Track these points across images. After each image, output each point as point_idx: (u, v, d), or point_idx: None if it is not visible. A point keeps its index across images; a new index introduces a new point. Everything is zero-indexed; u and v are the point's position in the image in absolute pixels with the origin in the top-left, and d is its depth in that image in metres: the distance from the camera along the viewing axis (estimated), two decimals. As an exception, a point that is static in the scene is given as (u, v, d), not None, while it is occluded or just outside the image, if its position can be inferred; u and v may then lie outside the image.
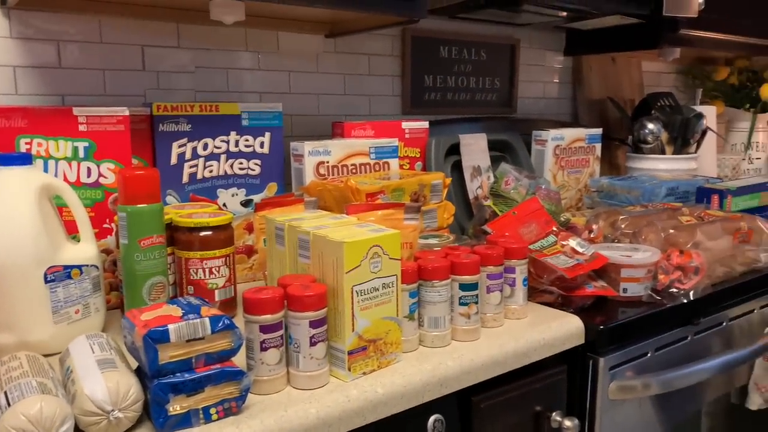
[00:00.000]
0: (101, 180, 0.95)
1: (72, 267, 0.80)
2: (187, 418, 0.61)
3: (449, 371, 0.78)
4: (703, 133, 1.77)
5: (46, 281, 0.77)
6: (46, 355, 0.77)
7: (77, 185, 0.94)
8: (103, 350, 0.65)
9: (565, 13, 1.51)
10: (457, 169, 1.39)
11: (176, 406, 0.61)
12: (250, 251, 1.12)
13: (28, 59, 1.07)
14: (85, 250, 0.82)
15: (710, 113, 1.90)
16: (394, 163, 1.21)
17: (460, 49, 1.61)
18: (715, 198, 1.36)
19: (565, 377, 0.94)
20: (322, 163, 1.12)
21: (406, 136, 1.31)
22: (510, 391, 0.86)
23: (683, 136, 1.74)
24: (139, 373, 0.64)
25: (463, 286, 0.84)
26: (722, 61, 2.20)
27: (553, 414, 0.90)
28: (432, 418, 0.79)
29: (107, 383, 0.59)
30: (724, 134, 2.26)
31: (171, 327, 0.61)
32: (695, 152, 1.77)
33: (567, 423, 0.89)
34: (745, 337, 1.18)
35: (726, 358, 1.04)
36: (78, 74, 1.11)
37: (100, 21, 1.12)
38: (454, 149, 1.38)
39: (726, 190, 1.35)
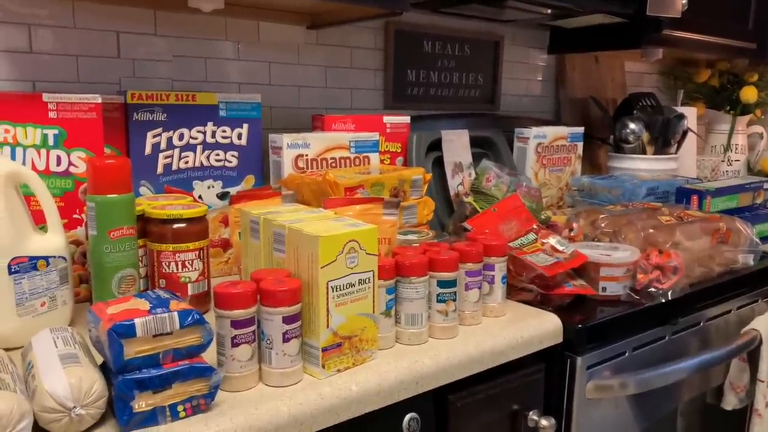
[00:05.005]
0: (71, 169, 0.92)
1: (38, 258, 0.77)
2: (153, 416, 0.59)
3: (426, 369, 0.77)
4: (684, 133, 1.77)
5: (10, 272, 0.75)
6: (9, 349, 0.74)
7: (46, 174, 0.91)
8: (66, 345, 0.63)
9: (549, 11, 1.50)
10: (439, 165, 1.38)
11: (142, 403, 0.59)
12: (226, 245, 1.10)
13: (-3, 43, 1.03)
14: (52, 241, 0.80)
15: (691, 114, 1.91)
16: (374, 157, 1.19)
17: (444, 44, 1.60)
18: (695, 198, 1.36)
19: (542, 376, 0.93)
20: (301, 156, 1.10)
21: (388, 130, 1.30)
22: (487, 389, 0.85)
23: (664, 136, 1.74)
24: (104, 368, 0.62)
25: (441, 283, 0.83)
26: (703, 63, 2.22)
27: (530, 413, 0.89)
28: (407, 417, 0.77)
29: (69, 379, 0.56)
30: (704, 136, 2.28)
31: (137, 321, 0.59)
32: (676, 153, 1.78)
33: (543, 422, 0.88)
34: (721, 337, 1.18)
35: (703, 358, 1.04)
36: (50, 60, 1.08)
37: (74, 5, 1.09)
38: (436, 145, 1.37)
39: (705, 190, 1.35)
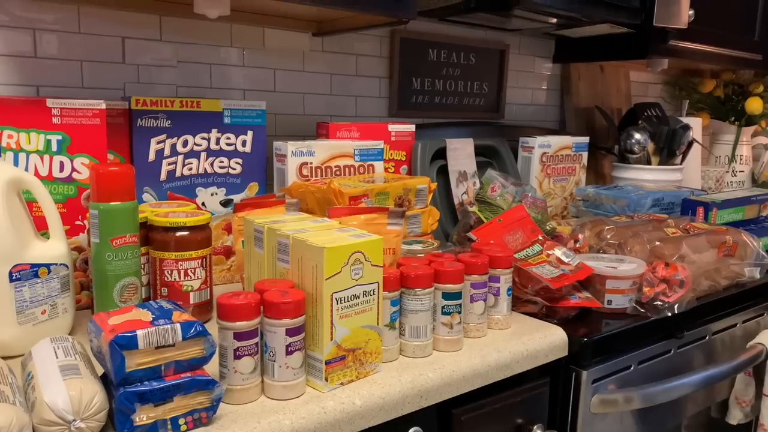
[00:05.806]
0: (74, 175, 0.92)
1: (39, 265, 0.77)
2: (154, 429, 0.58)
3: (430, 383, 0.76)
4: (689, 144, 1.77)
5: (11, 280, 0.74)
6: (9, 357, 0.74)
7: (49, 180, 0.90)
8: (67, 355, 0.62)
9: (555, 20, 1.50)
10: (443, 173, 1.37)
11: (143, 416, 0.58)
12: (228, 252, 1.09)
13: (1, 47, 1.03)
14: (54, 248, 0.79)
15: (696, 125, 1.91)
16: (379, 165, 1.18)
17: (449, 52, 1.60)
18: (701, 210, 1.35)
19: (547, 390, 0.92)
20: (306, 164, 1.09)
21: (392, 138, 1.29)
22: (491, 403, 0.84)
23: (669, 147, 1.73)
24: (104, 380, 0.61)
25: (447, 295, 0.82)
26: (708, 73, 2.21)
27: (535, 427, 0.88)
28: (411, 431, 0.76)
29: (69, 391, 0.55)
30: (709, 146, 2.27)
31: (139, 333, 0.58)
32: (681, 164, 1.77)
33: (548, 437, 0.87)
34: (727, 351, 1.17)
35: (708, 372, 1.03)
36: (54, 65, 1.08)
37: (79, 10, 1.09)
38: (441, 153, 1.36)
39: (711, 202, 1.35)
